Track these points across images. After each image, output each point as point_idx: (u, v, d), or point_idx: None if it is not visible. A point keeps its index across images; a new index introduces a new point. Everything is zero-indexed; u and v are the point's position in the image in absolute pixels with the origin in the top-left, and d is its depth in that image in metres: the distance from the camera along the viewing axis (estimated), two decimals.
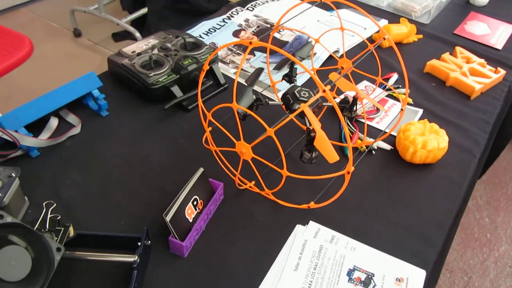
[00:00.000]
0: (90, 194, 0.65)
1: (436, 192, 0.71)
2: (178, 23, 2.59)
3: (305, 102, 0.60)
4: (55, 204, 0.60)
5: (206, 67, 0.59)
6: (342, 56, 0.74)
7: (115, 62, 0.83)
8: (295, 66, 0.69)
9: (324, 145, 0.53)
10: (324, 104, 0.73)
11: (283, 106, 0.62)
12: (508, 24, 1.21)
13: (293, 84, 0.67)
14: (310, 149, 0.59)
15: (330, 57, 0.95)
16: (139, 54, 0.84)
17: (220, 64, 0.92)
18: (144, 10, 2.49)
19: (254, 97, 0.61)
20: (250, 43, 0.52)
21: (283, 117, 0.55)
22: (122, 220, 0.61)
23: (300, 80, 0.88)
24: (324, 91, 0.48)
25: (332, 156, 0.53)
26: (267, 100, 0.63)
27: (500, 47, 1.11)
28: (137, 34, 2.36)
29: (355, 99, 0.66)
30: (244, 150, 0.55)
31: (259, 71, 0.63)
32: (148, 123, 0.78)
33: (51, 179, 0.66)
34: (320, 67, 0.91)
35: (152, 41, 0.89)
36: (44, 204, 0.60)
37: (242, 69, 0.92)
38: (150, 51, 0.85)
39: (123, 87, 0.84)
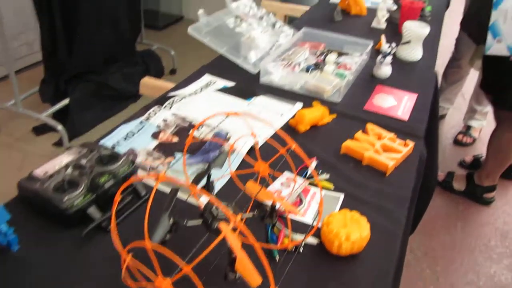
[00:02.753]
0: None
1: (366, 283, 0.72)
2: (102, 109, 2.57)
3: (223, 220, 0.60)
4: None
5: (117, 198, 0.57)
6: (257, 159, 0.76)
7: (26, 188, 0.79)
8: (211, 180, 0.69)
9: (245, 269, 0.52)
10: (247, 214, 0.73)
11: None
12: (410, 93, 1.31)
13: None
14: (233, 270, 0.58)
15: (251, 151, 0.97)
16: (51, 176, 0.80)
17: (139, 172, 0.91)
18: (66, 101, 2.44)
19: (171, 221, 0.60)
20: (157, 178, 0.51)
21: (201, 241, 0.54)
22: None
23: (219, 183, 0.87)
24: (235, 221, 0.48)
25: (253, 281, 0.52)
26: (186, 221, 0.62)
27: (406, 118, 1.19)
28: (59, 127, 2.30)
29: (273, 206, 0.67)
30: (164, 286, 0.53)
31: (174, 193, 0.63)
32: (65, 252, 0.74)
33: None
34: (239, 167, 0.92)
35: (65, 158, 0.86)
36: None
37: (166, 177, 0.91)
38: (64, 170, 0.82)
39: (36, 214, 0.80)
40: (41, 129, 2.46)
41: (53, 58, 2.45)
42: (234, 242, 0.53)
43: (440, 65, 2.92)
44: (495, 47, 1.75)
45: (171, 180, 0.50)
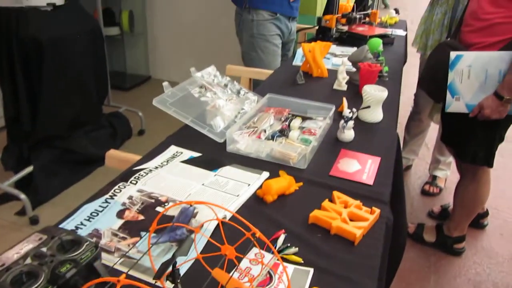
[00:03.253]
0: None
1: None
2: (68, 175, 2.51)
3: None
4: None
5: None
6: (224, 242, 0.75)
7: None
8: (176, 267, 0.67)
9: None
10: None
11: None
12: (374, 157, 1.35)
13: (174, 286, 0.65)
14: None
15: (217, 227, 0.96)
16: (9, 268, 0.77)
17: (103, 255, 0.88)
18: (30, 169, 2.39)
19: None
20: (118, 281, 0.50)
21: None
22: None
23: (185, 266, 0.86)
24: None
25: None
26: None
27: (371, 182, 1.22)
28: (22, 196, 2.23)
29: None
30: None
31: None
32: None
33: None
34: (204, 250, 0.90)
35: (25, 247, 0.83)
36: None
37: (129, 257, 0.88)
38: (22, 261, 0.79)
39: None
40: (3, 198, 2.38)
41: (16, 126, 2.41)
42: None
43: (402, 117, 3.04)
44: (454, 105, 1.84)
45: (133, 283, 0.49)
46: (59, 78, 2.50)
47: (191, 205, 0.95)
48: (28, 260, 0.79)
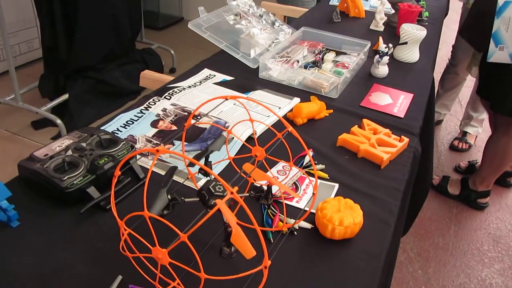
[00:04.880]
0: None
1: (358, 266, 0.74)
2: (101, 106, 2.58)
3: (220, 197, 0.61)
4: None
5: (117, 173, 0.59)
6: (255, 144, 0.78)
7: (26, 168, 0.80)
8: (209, 160, 0.70)
9: (240, 242, 0.54)
10: (244, 194, 0.75)
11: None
12: (407, 93, 1.33)
13: (208, 179, 0.68)
14: (228, 244, 0.60)
15: (248, 140, 0.98)
16: (52, 157, 0.82)
17: (138, 156, 0.92)
18: (65, 96, 2.46)
19: (169, 197, 0.62)
20: (157, 151, 0.53)
21: (198, 216, 0.56)
22: None
23: (218, 168, 0.89)
24: (232, 193, 0.49)
25: (248, 252, 0.54)
26: (183, 198, 0.64)
27: (402, 115, 1.21)
28: (58, 121, 2.31)
29: (269, 187, 0.69)
30: (161, 255, 0.55)
31: (173, 170, 0.64)
32: (64, 229, 0.75)
33: None
34: (237, 154, 0.93)
35: (66, 141, 0.88)
36: None
37: (163, 160, 0.92)
38: (64, 152, 0.84)
39: (36, 192, 0.81)
40: (40, 124, 2.47)
41: (53, 55, 2.47)
42: (229, 215, 0.55)
43: (437, 72, 2.96)
44: (497, 55, 1.77)
45: (171, 152, 0.52)
46: (94, 10, 2.52)
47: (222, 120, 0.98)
48: (69, 153, 0.84)
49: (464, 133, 2.86)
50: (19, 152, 2.31)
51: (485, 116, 2.67)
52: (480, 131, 2.86)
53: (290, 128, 0.66)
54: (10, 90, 2.42)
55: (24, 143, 2.39)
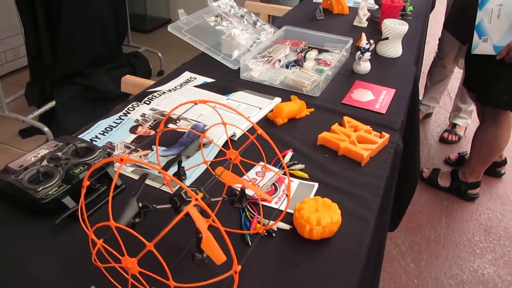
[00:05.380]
0: None
1: (337, 265, 0.74)
2: (88, 112, 2.57)
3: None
4: None
5: (85, 183, 0.58)
6: (229, 148, 0.77)
7: (0, 180, 0.80)
8: (182, 165, 0.70)
9: (210, 247, 0.54)
10: (218, 198, 0.74)
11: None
12: (389, 88, 1.33)
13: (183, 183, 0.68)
14: (200, 250, 0.59)
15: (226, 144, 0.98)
16: (26, 168, 0.81)
17: (116, 164, 0.92)
18: (52, 103, 2.45)
19: (140, 204, 0.61)
20: (122, 160, 0.52)
21: (170, 224, 0.55)
22: None
23: (195, 173, 0.89)
24: (196, 199, 0.49)
25: (219, 258, 0.53)
26: (154, 205, 0.63)
27: (384, 111, 1.21)
28: (45, 129, 2.30)
29: (242, 190, 0.69)
30: (130, 265, 0.54)
31: (143, 178, 0.64)
32: (39, 240, 0.74)
33: None
34: (214, 159, 0.93)
35: (42, 151, 0.87)
36: None
37: (141, 167, 0.92)
38: (39, 163, 0.83)
39: (11, 204, 0.80)
40: (28, 132, 2.46)
41: (38, 62, 2.45)
42: (199, 221, 0.54)
43: (426, 65, 2.97)
44: (481, 46, 1.77)
45: (135, 161, 0.51)
46: (78, 15, 2.50)
47: (200, 123, 0.98)
48: (45, 163, 0.83)
49: (454, 125, 2.86)
50: (6, 162, 2.29)
51: (474, 107, 2.68)
52: (470, 123, 2.87)
53: (260, 131, 0.66)
54: None
55: (12, 152, 2.38)
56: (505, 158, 2.56)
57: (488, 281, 1.88)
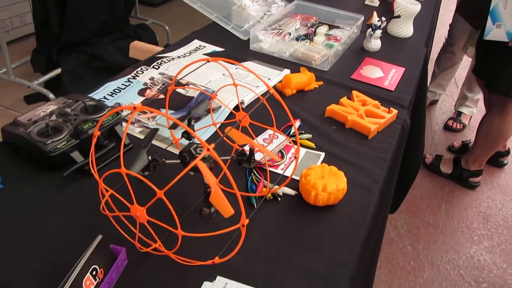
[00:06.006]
0: None
1: (340, 232, 0.74)
2: (94, 81, 2.55)
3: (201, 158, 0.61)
4: None
5: (96, 133, 0.59)
6: (239, 109, 0.77)
7: (10, 132, 0.80)
8: (192, 123, 0.70)
9: (218, 201, 0.54)
10: (227, 157, 0.75)
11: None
12: (398, 67, 1.32)
13: (191, 141, 0.68)
14: (208, 205, 0.60)
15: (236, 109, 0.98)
16: (35, 121, 0.81)
17: (124, 124, 0.92)
18: (58, 71, 2.43)
19: (150, 158, 0.62)
20: (134, 108, 0.52)
21: (178, 177, 0.56)
22: None
23: (205, 135, 0.89)
24: (208, 149, 0.49)
25: (226, 211, 0.54)
26: (163, 159, 0.63)
27: (392, 88, 1.21)
28: (51, 95, 2.29)
29: (251, 150, 0.69)
30: (139, 213, 0.55)
31: (154, 132, 0.64)
32: (47, 192, 0.75)
33: None
34: (225, 120, 0.93)
35: (51, 107, 0.87)
36: None
37: (147, 127, 0.92)
38: (48, 117, 0.83)
39: (20, 157, 0.81)
40: (33, 98, 2.45)
41: (45, 29, 2.43)
42: (208, 175, 0.54)
43: (434, 52, 2.94)
44: (494, 32, 1.75)
45: (148, 109, 0.51)
46: None
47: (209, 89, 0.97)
48: (53, 118, 0.83)
49: (459, 113, 2.85)
50: None
51: (480, 96, 2.67)
52: (475, 112, 2.85)
53: (272, 91, 0.65)
54: (2, 65, 2.39)
55: None
56: (509, 149, 2.55)
57: (483, 267, 1.89)
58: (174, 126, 0.67)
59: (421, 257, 1.90)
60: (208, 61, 0.65)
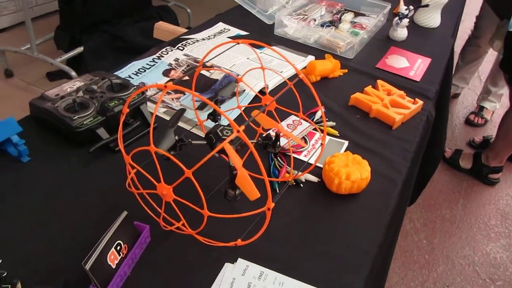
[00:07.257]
0: (5, 244, 0.61)
1: (362, 221, 0.74)
2: (115, 61, 2.57)
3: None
4: None
5: (125, 110, 0.59)
6: (265, 93, 0.77)
7: (37, 106, 0.81)
8: (219, 105, 0.70)
9: (245, 183, 0.54)
10: (252, 141, 0.74)
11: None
12: (424, 57, 1.30)
13: (217, 123, 0.68)
14: (233, 187, 0.60)
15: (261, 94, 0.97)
16: (63, 97, 0.82)
17: (149, 104, 0.92)
18: (80, 49, 2.45)
19: (176, 137, 0.62)
20: (165, 86, 0.52)
21: (205, 159, 0.56)
22: (41, 271, 0.58)
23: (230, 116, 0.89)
24: (238, 131, 0.49)
25: (252, 194, 0.54)
26: (190, 140, 0.64)
27: (418, 79, 1.19)
28: (73, 73, 2.31)
29: (277, 135, 0.68)
30: (165, 192, 0.55)
31: (181, 112, 0.64)
32: (73, 167, 0.76)
33: None
34: (249, 104, 0.93)
35: (77, 83, 0.88)
36: None
37: (172, 108, 0.92)
38: (75, 93, 0.84)
39: (46, 131, 0.82)
40: (55, 75, 2.48)
41: (69, 7, 2.45)
42: (235, 157, 0.54)
43: (459, 45, 2.88)
44: None
45: (179, 88, 0.51)
46: None
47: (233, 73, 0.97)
48: (80, 94, 0.84)
49: (481, 108, 2.80)
50: None
51: (504, 91, 2.61)
52: (498, 107, 2.80)
53: (302, 75, 0.65)
54: (26, 41, 2.41)
55: (39, 94, 2.41)
56: None
57: (499, 265, 1.87)
58: (201, 107, 0.67)
59: (436, 251, 1.88)
60: (238, 43, 0.65)
